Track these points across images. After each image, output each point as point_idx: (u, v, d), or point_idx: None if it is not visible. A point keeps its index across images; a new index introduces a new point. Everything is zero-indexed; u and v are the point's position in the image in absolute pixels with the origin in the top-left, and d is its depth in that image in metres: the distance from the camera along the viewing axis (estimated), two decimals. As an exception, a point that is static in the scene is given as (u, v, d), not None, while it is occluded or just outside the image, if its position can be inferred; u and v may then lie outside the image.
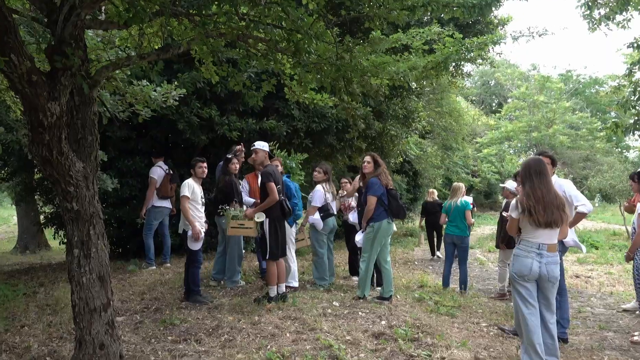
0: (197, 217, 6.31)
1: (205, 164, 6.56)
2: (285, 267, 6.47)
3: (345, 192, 8.14)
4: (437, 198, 12.61)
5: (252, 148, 6.50)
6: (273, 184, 6.02)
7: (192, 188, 6.28)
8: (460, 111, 21.38)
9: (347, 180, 8.42)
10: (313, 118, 9.99)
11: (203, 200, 6.50)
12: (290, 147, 9.66)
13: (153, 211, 8.48)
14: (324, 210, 7.42)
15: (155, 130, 9.16)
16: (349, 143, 11.13)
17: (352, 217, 7.86)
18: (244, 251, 7.52)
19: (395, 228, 6.92)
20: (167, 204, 8.61)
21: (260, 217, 6.16)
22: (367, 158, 6.67)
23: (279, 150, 8.68)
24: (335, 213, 7.67)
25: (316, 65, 4.61)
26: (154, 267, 8.43)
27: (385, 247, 6.59)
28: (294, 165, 8.70)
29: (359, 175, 7.03)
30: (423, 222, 12.55)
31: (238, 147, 7.70)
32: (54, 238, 10.21)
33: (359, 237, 6.86)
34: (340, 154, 11.40)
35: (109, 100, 6.14)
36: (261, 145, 6.43)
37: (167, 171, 8.57)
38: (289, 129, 9.74)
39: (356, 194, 7.94)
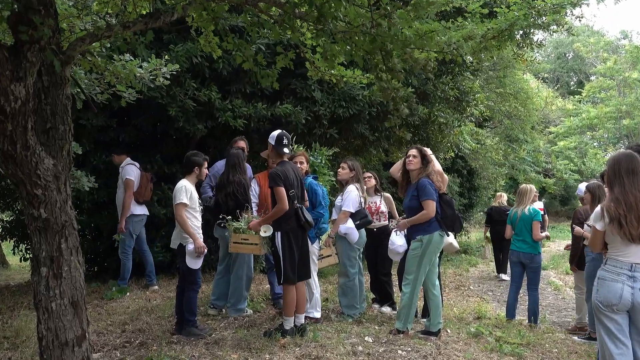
0: (196, 228, 6.39)
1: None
2: (305, 293, 6.48)
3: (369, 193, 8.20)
4: (505, 203, 12.68)
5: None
6: (282, 189, 6.05)
7: (189, 192, 6.34)
8: (529, 92, 21.29)
9: (371, 175, 8.42)
10: (340, 101, 10.06)
11: (201, 206, 6.58)
12: (311, 139, 9.75)
13: (132, 221, 8.63)
14: (360, 217, 7.43)
15: (141, 117, 9.30)
16: (385, 133, 11.18)
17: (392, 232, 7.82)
18: (253, 271, 7.55)
19: (456, 244, 6.97)
20: (146, 210, 8.81)
21: (267, 230, 6.21)
22: (413, 151, 6.69)
23: (296, 144, 8.70)
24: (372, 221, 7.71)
25: (345, 34, 4.58)
26: (156, 287, 8.69)
27: (434, 267, 6.64)
28: (320, 161, 8.72)
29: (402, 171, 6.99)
30: (489, 233, 12.55)
31: (241, 142, 7.81)
32: (14, 253, 10.38)
33: (399, 242, 6.82)
34: (374, 147, 11.42)
35: (83, 79, 6.20)
36: (271, 137, 6.53)
37: (141, 169, 8.86)
38: (309, 115, 9.83)
39: (381, 195, 8.21)
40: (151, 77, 6.56)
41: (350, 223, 7.35)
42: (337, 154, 9.52)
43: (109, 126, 9.27)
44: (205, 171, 6.59)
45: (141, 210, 8.71)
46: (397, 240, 7.18)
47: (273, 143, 6.41)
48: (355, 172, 7.61)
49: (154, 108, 8.95)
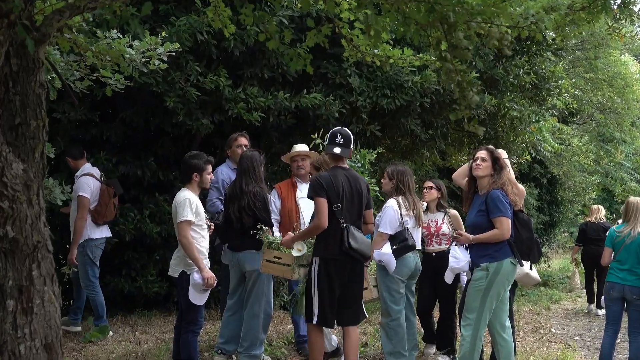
0: (203, 251, 6.44)
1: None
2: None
3: (424, 205, 8.23)
4: (603, 218, 12.66)
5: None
6: (323, 201, 6.17)
7: (194, 206, 6.37)
8: (628, 78, 20.87)
9: (432, 185, 8.45)
10: (383, 89, 10.05)
11: (208, 223, 6.64)
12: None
13: (90, 247, 8.43)
14: (400, 241, 7.38)
15: (130, 109, 9.38)
16: (442, 131, 11.16)
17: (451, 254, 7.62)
18: (272, 307, 7.57)
19: (536, 275, 6.98)
20: (107, 231, 8.67)
21: (302, 249, 6.27)
22: (482, 153, 6.67)
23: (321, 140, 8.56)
24: (417, 246, 7.71)
25: (394, 3, 4.57)
26: (79, 328, 8.62)
27: (502, 304, 6.61)
28: (360, 166, 8.57)
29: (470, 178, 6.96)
30: (579, 254, 12.55)
31: (242, 139, 7.94)
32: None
33: (458, 256, 6.91)
34: (427, 148, 11.41)
35: (58, 62, 6.22)
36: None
37: (102, 180, 8.64)
38: (344, 107, 9.85)
39: (445, 212, 8.24)
40: (144, 59, 6.57)
41: (387, 248, 7.33)
42: (382, 156, 9.50)
43: (89, 121, 9.33)
44: (209, 177, 6.66)
45: (101, 232, 8.53)
46: (456, 253, 7.06)
47: (326, 143, 6.64)
48: (396, 182, 7.59)
49: (147, 98, 9.01)
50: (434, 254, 8.15)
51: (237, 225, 7.01)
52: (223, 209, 7.40)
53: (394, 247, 7.33)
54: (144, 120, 9.61)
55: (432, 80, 10.04)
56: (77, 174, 8.46)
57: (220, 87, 8.96)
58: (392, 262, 7.27)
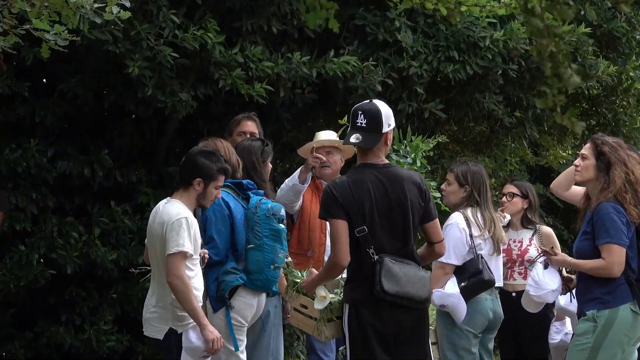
0: (198, 296, 6.44)
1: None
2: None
3: (506, 218, 8.39)
4: None
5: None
6: (341, 224, 5.96)
7: (193, 230, 6.38)
8: None
9: (515, 190, 8.57)
10: (448, 51, 10.07)
11: (202, 252, 6.63)
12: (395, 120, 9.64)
13: None
14: (471, 274, 7.38)
15: (74, 79, 9.41)
16: (534, 113, 11.18)
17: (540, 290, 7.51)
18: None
19: None
20: None
21: (326, 296, 6.20)
22: (585, 148, 6.72)
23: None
24: (498, 282, 7.68)
25: None
26: None
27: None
28: (411, 161, 8.33)
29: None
30: None
31: (249, 123, 8.04)
32: None
33: (545, 279, 6.97)
34: (513, 136, 11.45)
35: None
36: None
37: None
38: (390, 76, 9.80)
39: (535, 230, 8.33)
40: (97, 6, 6.46)
41: (452, 286, 7.34)
42: (444, 149, 9.48)
43: (15, 95, 9.37)
44: (215, 193, 6.62)
45: None
46: (538, 275, 7.19)
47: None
48: (470, 189, 7.64)
49: (100, 62, 9.09)
50: (514, 294, 8.11)
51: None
52: None
53: (463, 284, 7.30)
54: (95, 95, 9.65)
55: (521, 39, 9.97)
56: None
57: (208, 46, 8.91)
58: (460, 308, 7.27)
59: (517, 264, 8.19)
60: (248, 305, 6.87)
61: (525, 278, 8.02)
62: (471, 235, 7.39)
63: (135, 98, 9.32)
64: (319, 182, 8.18)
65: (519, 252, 8.22)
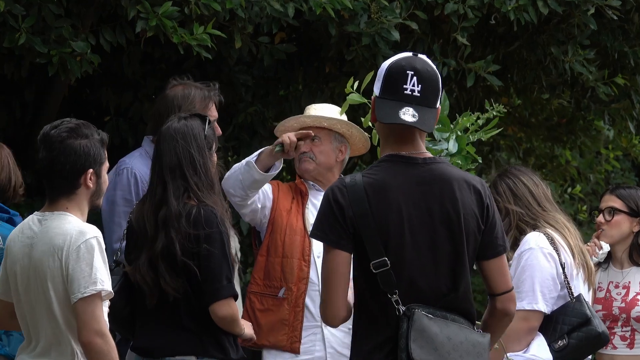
0: None
1: None
2: None
3: (603, 250, 7.78)
4: None
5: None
6: (340, 257, 4.84)
7: (104, 255, 5.76)
8: None
9: (618, 205, 7.80)
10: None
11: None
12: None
13: None
14: (574, 326, 6.65)
15: None
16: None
17: None
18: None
19: None
20: None
21: None
22: None
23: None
24: (601, 329, 6.90)
25: None
26: None
27: None
28: (455, 151, 7.36)
29: None
30: None
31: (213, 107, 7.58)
32: None
33: None
34: (611, 114, 10.44)
35: None
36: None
37: None
38: (411, 14, 8.85)
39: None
40: None
41: (539, 348, 6.60)
42: (499, 134, 8.20)
43: None
44: (105, 180, 5.68)
45: None
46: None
47: (377, 92, 5.04)
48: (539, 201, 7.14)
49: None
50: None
51: (150, 301, 6.08)
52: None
53: (561, 343, 6.54)
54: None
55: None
56: None
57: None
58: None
59: (619, 323, 7.48)
60: None
61: (632, 346, 7.53)
62: (563, 265, 6.57)
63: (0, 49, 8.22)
64: (302, 183, 7.36)
65: (624, 305, 7.46)
